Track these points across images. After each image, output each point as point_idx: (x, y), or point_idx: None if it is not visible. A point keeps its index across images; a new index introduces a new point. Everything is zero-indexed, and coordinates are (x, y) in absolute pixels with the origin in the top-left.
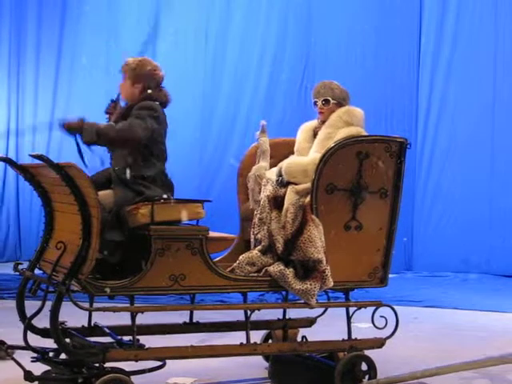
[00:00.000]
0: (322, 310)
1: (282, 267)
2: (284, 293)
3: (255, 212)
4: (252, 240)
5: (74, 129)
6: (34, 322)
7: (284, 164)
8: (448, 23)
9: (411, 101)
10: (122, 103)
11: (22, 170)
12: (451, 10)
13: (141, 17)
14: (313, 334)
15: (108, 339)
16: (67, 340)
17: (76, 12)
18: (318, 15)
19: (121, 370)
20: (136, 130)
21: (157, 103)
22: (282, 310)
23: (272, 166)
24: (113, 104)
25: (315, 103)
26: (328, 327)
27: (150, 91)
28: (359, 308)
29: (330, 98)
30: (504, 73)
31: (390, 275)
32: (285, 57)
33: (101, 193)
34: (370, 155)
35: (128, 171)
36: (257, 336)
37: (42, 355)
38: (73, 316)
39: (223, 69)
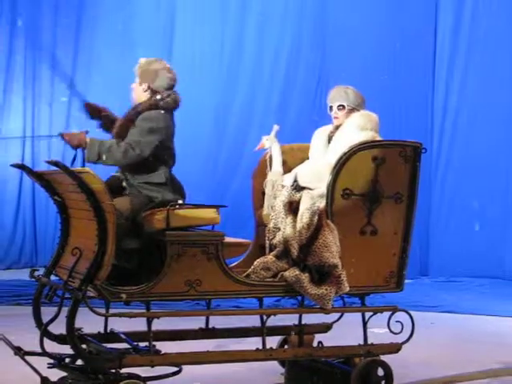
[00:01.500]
0: (338, 315)
1: (298, 272)
2: (300, 298)
3: (270, 217)
4: (267, 245)
5: (76, 145)
6: (51, 328)
7: (299, 169)
8: (463, 31)
9: (426, 106)
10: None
11: (38, 176)
12: (466, 17)
13: (157, 29)
14: (329, 340)
15: (124, 345)
16: (83, 346)
17: (91, 24)
18: (332, 22)
19: (137, 376)
20: (138, 150)
21: (162, 112)
22: (297, 316)
23: (287, 171)
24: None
25: (330, 108)
26: (344, 332)
27: (158, 97)
28: (375, 313)
29: (344, 103)
30: None
31: (406, 280)
32: (299, 62)
33: (116, 199)
34: (386, 160)
35: (139, 178)
36: (272, 341)
37: (58, 361)
38: (89, 322)
39: (238, 75)
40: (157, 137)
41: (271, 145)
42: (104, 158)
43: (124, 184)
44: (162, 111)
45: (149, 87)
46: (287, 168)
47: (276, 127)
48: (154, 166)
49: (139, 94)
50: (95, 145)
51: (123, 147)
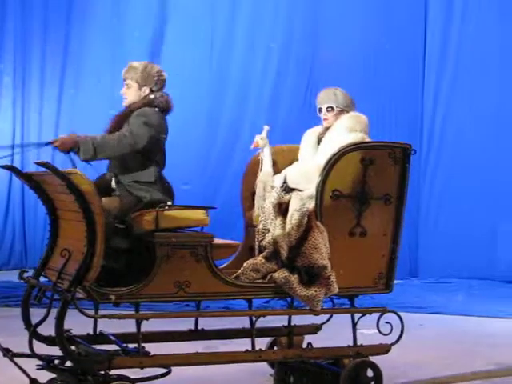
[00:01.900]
0: (328, 316)
1: (287, 274)
2: (289, 299)
3: (260, 218)
4: (256, 247)
5: (69, 148)
6: (40, 329)
7: (288, 171)
8: (453, 29)
9: (416, 107)
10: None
11: (27, 178)
12: (456, 14)
13: (145, 29)
14: (318, 341)
15: (113, 347)
16: (73, 348)
17: (80, 26)
18: (323, 22)
19: (126, 378)
20: (132, 140)
21: (156, 110)
22: (287, 317)
23: (276, 172)
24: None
25: (319, 110)
26: (333, 334)
27: (152, 96)
28: (364, 314)
29: (333, 105)
30: (511, 77)
31: (395, 281)
32: (289, 63)
33: (105, 199)
34: (375, 161)
35: (129, 177)
36: (262, 343)
37: (47, 363)
38: (78, 323)
39: (228, 76)
40: (150, 130)
41: (264, 145)
42: (99, 150)
43: (113, 184)
44: (157, 109)
45: (151, 90)
46: (277, 169)
47: (266, 127)
48: (145, 163)
49: (135, 97)
50: (88, 142)
51: (117, 135)
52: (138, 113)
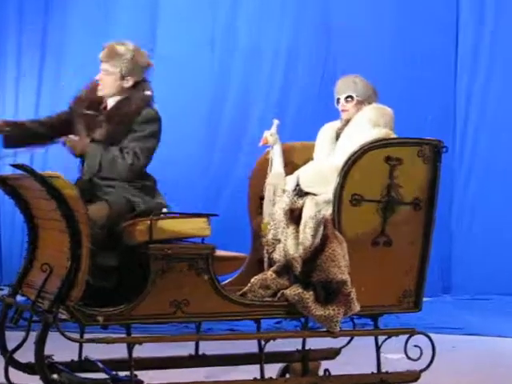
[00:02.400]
0: (347, 339)
1: (301, 290)
2: (303, 320)
3: (269, 227)
4: (266, 259)
5: (80, 153)
6: (17, 355)
7: (301, 171)
8: (488, 20)
9: (448, 101)
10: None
11: (1, 181)
12: (490, 7)
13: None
14: (337, 367)
15: (101, 375)
16: (55, 376)
17: (61, 16)
18: (340, 3)
19: None
20: (143, 159)
21: (156, 109)
22: (301, 340)
23: (288, 173)
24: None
25: (337, 101)
26: (354, 359)
27: (148, 93)
28: (390, 336)
29: (353, 94)
30: None
31: (425, 298)
32: (301, 50)
33: (91, 206)
34: (402, 160)
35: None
36: (272, 370)
37: None
38: (61, 349)
39: (232, 64)
40: (157, 140)
41: (274, 142)
42: (104, 170)
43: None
44: (155, 107)
45: (136, 82)
46: (289, 170)
47: (276, 122)
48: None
49: (120, 89)
50: (97, 155)
51: (130, 159)
52: (145, 118)
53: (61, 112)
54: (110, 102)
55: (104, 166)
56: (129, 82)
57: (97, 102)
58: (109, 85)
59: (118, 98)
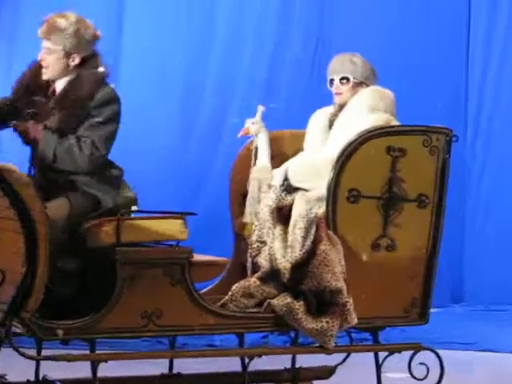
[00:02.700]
0: (344, 355)
1: (290, 300)
2: (292, 334)
3: (254, 227)
4: (249, 264)
5: (32, 139)
6: None
7: (290, 164)
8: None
9: (459, 87)
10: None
11: None
12: None
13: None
14: None
15: None
16: None
17: None
18: None
19: None
20: (104, 149)
21: (113, 87)
22: (290, 357)
23: (275, 167)
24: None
25: (331, 82)
26: (351, 378)
27: (101, 69)
28: (392, 353)
29: (349, 76)
30: None
31: (433, 309)
32: (290, 26)
33: (49, 204)
34: (405, 151)
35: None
36: None
37: None
38: (15, 367)
39: (211, 44)
40: (117, 123)
41: (258, 131)
42: (60, 161)
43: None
44: (112, 85)
45: (82, 60)
46: (277, 162)
47: (261, 108)
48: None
49: (65, 69)
50: (51, 143)
51: (87, 149)
52: (101, 100)
53: (3, 98)
54: (59, 86)
55: (59, 157)
56: (75, 60)
57: (45, 86)
58: (53, 65)
59: (66, 79)
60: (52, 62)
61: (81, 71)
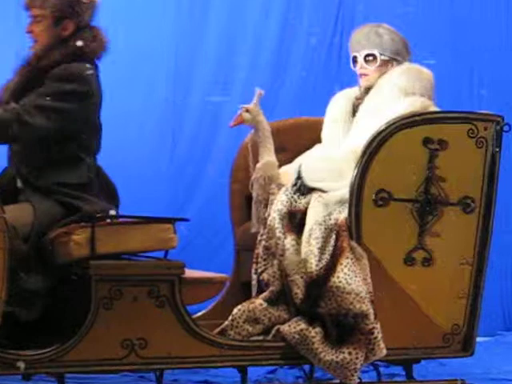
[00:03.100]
0: None
1: (304, 326)
2: (307, 368)
3: (259, 237)
4: (254, 282)
5: None
6: None
7: (305, 159)
8: None
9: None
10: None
11: None
12: None
13: None
14: None
15: None
16: None
17: None
18: None
19: None
20: (41, 118)
21: (88, 66)
22: None
23: (286, 162)
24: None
25: (354, 60)
26: None
27: (80, 43)
28: None
29: (376, 52)
30: None
31: (480, 338)
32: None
33: (10, 208)
34: (446, 143)
35: (47, 176)
36: None
37: None
38: None
39: (206, 23)
40: (79, 104)
41: (254, 119)
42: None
43: (19, 185)
44: (88, 64)
45: (77, 26)
46: (289, 157)
47: (259, 91)
48: (74, 154)
49: (49, 37)
50: None
51: (15, 111)
52: (61, 73)
53: None
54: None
55: None
56: (68, 28)
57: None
58: (42, 35)
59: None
60: (41, 32)
61: (62, 42)
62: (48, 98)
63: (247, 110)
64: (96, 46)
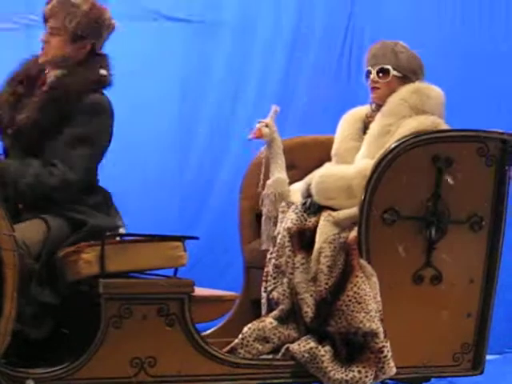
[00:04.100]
0: None
1: (313, 344)
2: None
3: (269, 255)
4: (264, 301)
5: None
6: None
7: (315, 178)
8: None
9: None
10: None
11: None
12: None
13: None
14: None
15: None
16: None
17: None
18: None
19: None
20: (82, 172)
21: (107, 98)
22: None
23: (295, 180)
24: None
25: (367, 74)
26: None
27: (103, 72)
28: None
29: (389, 67)
30: None
31: (489, 356)
32: (316, 15)
33: (21, 226)
34: (455, 161)
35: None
36: None
37: None
38: None
39: (217, 33)
40: (105, 141)
41: (271, 137)
42: (25, 193)
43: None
44: (105, 93)
45: (92, 47)
46: (297, 174)
47: (275, 108)
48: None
49: (61, 49)
50: (8, 166)
51: (61, 171)
52: (88, 109)
53: None
54: (50, 77)
55: (20, 183)
56: (85, 49)
57: (34, 78)
58: (55, 48)
59: (60, 71)
60: (56, 45)
61: (84, 64)
62: (83, 143)
63: (267, 125)
64: (110, 80)
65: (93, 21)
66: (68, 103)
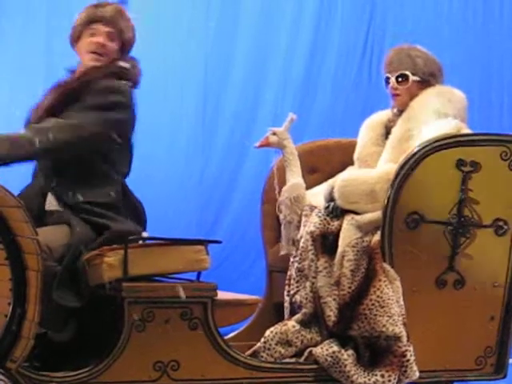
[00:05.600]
0: None
1: (336, 348)
2: None
3: (292, 259)
4: (286, 304)
5: None
6: None
7: (338, 181)
8: None
9: None
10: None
11: None
12: None
13: None
14: None
15: None
16: None
17: None
18: None
19: None
20: (97, 127)
21: (130, 85)
22: None
23: (318, 183)
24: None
25: (387, 81)
26: None
27: (122, 63)
28: None
29: (409, 73)
30: None
31: (510, 360)
32: (336, 18)
33: (43, 230)
34: (479, 165)
35: (81, 193)
36: None
37: None
38: None
39: (235, 40)
40: (123, 115)
41: (280, 143)
42: (46, 139)
43: (51, 205)
44: (130, 83)
45: (122, 48)
46: (320, 178)
47: (292, 116)
48: (103, 173)
49: (114, 54)
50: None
51: (77, 120)
52: (103, 87)
53: None
54: None
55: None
56: (118, 46)
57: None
58: (111, 53)
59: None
60: (112, 50)
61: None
62: (94, 111)
63: (274, 133)
64: (136, 74)
65: (123, 22)
66: (80, 89)
